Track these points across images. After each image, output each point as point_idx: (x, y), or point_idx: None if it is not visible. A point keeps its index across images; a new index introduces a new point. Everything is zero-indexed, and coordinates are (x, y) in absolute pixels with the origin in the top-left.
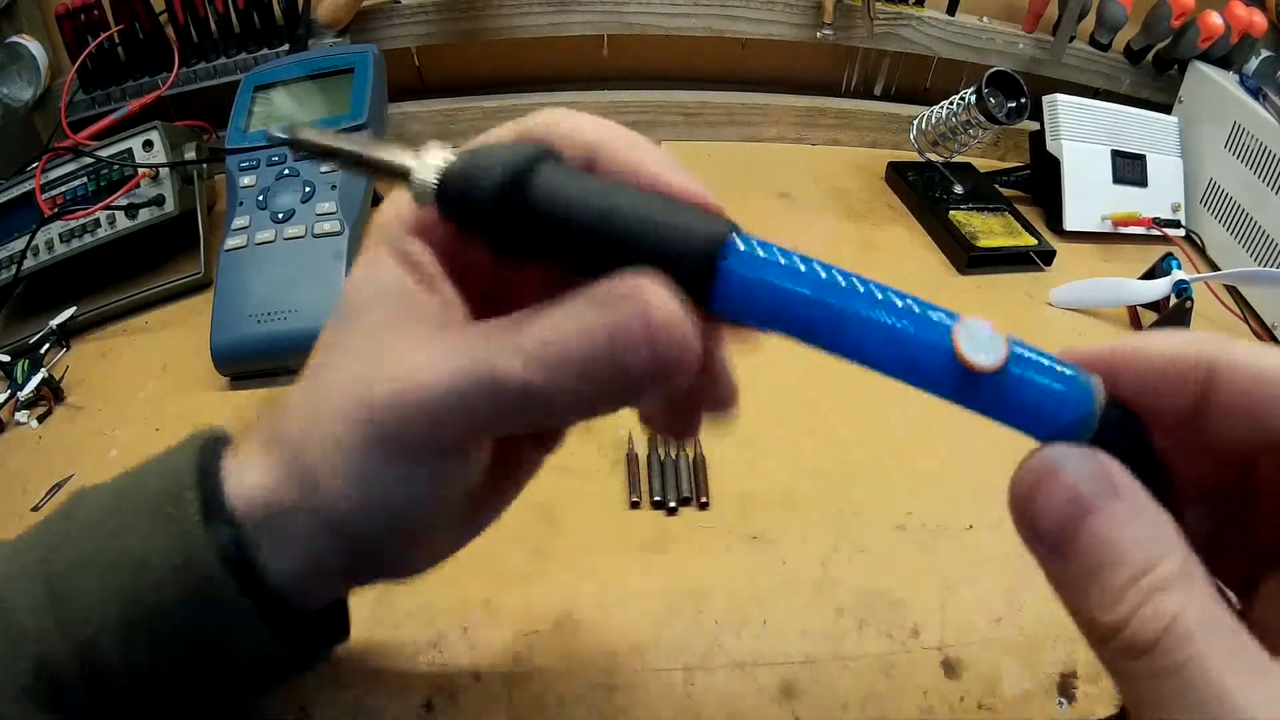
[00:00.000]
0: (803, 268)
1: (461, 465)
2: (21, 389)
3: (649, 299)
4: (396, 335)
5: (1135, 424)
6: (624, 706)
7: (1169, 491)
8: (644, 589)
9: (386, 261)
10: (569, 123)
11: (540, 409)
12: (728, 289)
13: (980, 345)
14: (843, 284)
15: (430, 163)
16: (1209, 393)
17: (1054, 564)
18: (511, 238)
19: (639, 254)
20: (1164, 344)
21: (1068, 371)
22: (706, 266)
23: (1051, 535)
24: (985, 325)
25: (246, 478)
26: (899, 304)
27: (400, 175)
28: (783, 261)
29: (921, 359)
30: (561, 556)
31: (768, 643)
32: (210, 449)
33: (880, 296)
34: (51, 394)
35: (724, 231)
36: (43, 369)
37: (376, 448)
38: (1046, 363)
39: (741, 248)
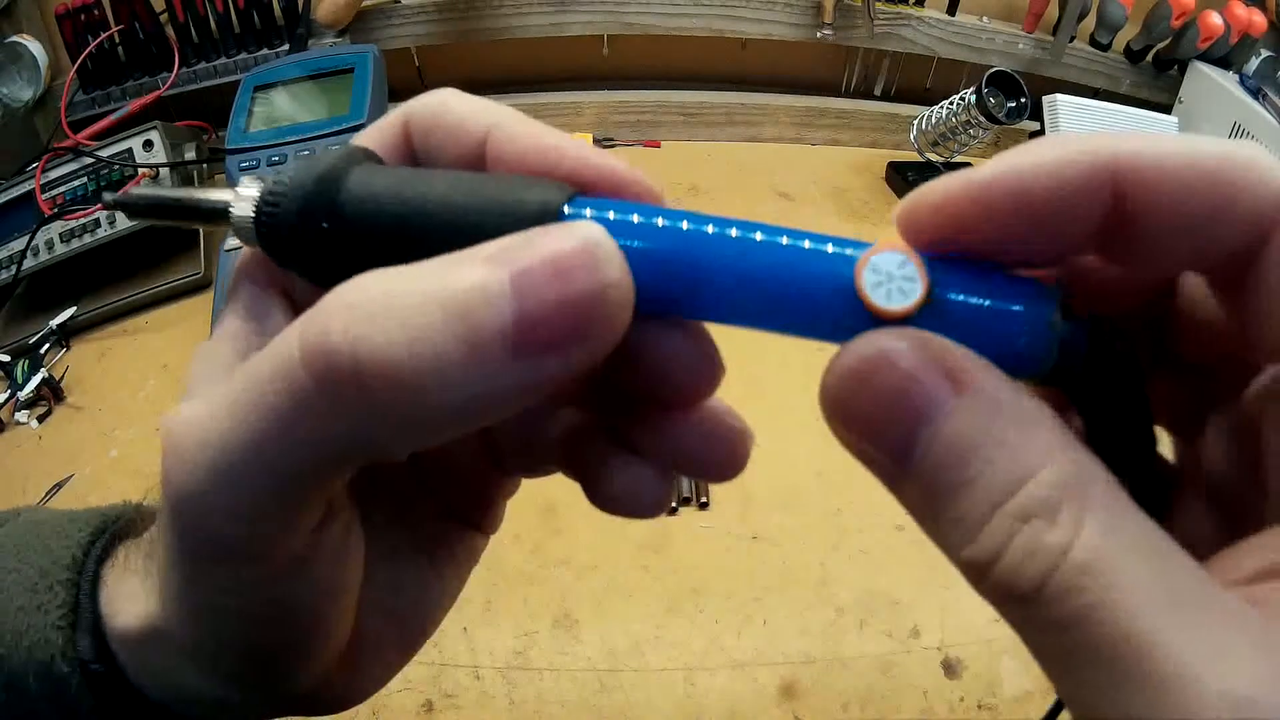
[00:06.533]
0: (659, 221)
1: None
2: (21, 389)
3: (553, 238)
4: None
5: (1111, 342)
6: (624, 706)
7: (1147, 422)
8: (644, 589)
9: (229, 324)
10: (458, 102)
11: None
12: None
13: (890, 284)
14: (710, 231)
15: (246, 194)
16: (1119, 205)
17: (897, 486)
18: (328, 258)
19: (460, 239)
20: (1053, 156)
21: (1015, 307)
22: None
23: (885, 452)
24: (897, 256)
25: (122, 609)
26: (784, 242)
27: (221, 216)
28: (634, 219)
29: (815, 305)
30: (561, 556)
31: (768, 643)
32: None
33: (762, 238)
34: (51, 394)
35: (559, 198)
36: (43, 369)
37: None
38: (983, 297)
39: (587, 213)
